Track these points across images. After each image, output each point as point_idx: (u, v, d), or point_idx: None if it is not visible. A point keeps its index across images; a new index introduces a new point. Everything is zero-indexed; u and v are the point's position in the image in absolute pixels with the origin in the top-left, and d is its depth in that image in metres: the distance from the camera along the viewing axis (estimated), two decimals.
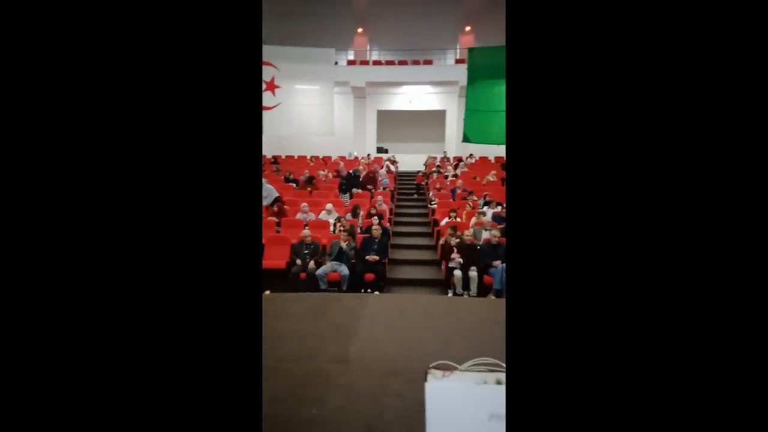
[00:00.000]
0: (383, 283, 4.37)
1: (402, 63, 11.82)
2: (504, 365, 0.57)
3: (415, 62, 11.71)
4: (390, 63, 11.84)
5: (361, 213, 5.60)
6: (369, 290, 4.18)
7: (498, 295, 4.08)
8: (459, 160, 9.58)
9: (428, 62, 11.64)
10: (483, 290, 4.22)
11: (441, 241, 4.88)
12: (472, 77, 8.58)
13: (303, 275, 4.17)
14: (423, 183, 8.52)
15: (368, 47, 12.53)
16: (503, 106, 8.75)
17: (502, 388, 0.52)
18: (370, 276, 4.28)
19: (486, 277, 4.25)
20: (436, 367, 0.52)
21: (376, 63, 11.85)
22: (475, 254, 4.40)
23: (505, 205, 5.71)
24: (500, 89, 8.39)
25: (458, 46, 12.30)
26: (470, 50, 8.82)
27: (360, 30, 12.24)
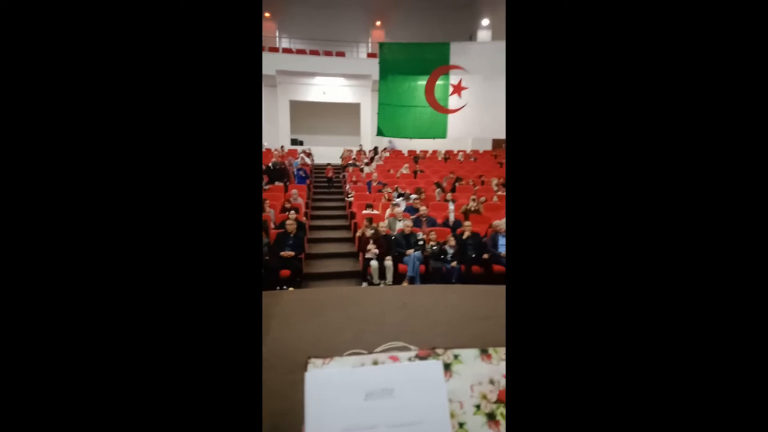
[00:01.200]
0: (300, 279, 4.27)
1: (314, 53, 11.53)
2: (411, 347, 0.59)
3: (327, 53, 11.52)
4: (301, 52, 11.46)
5: (270, 210, 5.37)
6: (285, 287, 4.05)
7: (411, 281, 4.29)
8: (375, 152, 9.74)
9: (341, 54, 11.56)
10: (398, 278, 4.39)
11: (358, 233, 4.94)
12: (384, 72, 8.76)
13: None
14: (333, 176, 8.50)
15: (277, 34, 11.94)
16: (415, 102, 9.13)
17: (378, 368, 0.54)
18: (285, 272, 4.14)
19: (401, 266, 4.43)
20: (317, 356, 0.52)
21: (287, 51, 11.37)
22: (389, 244, 4.54)
23: (416, 195, 5.99)
24: (412, 84, 8.72)
25: (370, 40, 12.42)
26: (381, 45, 8.98)
27: (268, 15, 11.59)
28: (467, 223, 4.84)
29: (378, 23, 12.41)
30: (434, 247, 4.49)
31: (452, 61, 9.59)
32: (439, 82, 9.48)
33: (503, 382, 0.53)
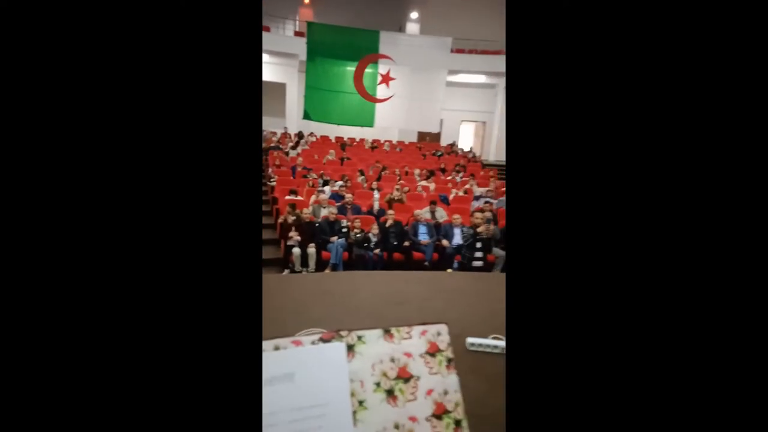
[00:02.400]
0: None
1: None
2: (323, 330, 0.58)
3: None
4: None
5: None
6: None
7: (334, 269, 4.28)
8: (300, 136, 9.42)
9: (266, 29, 10.84)
10: (321, 265, 4.34)
11: (279, 220, 4.76)
12: (312, 53, 8.44)
13: None
14: None
15: None
16: (344, 87, 9.00)
17: (278, 353, 0.53)
18: None
19: (324, 253, 4.39)
20: None
21: None
22: (313, 231, 4.46)
23: (342, 182, 5.96)
24: (341, 69, 8.57)
25: (297, 18, 11.85)
26: (309, 24, 8.62)
27: None
28: (390, 211, 4.96)
29: (306, 0, 11.88)
30: (358, 235, 4.53)
31: (381, 50, 9.58)
32: (367, 70, 9.43)
33: (404, 359, 0.56)
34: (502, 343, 1.86)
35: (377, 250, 4.51)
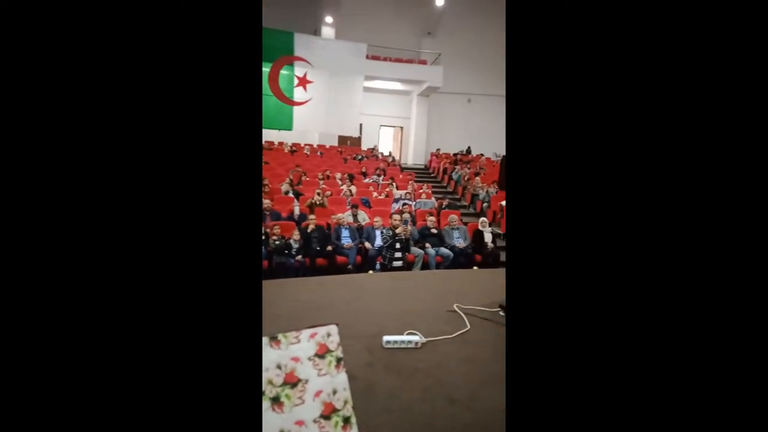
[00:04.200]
0: None
1: None
2: None
3: None
4: None
5: None
6: None
7: None
8: None
9: None
10: None
11: None
12: None
13: None
14: None
15: None
16: (266, 90, 8.61)
17: None
18: None
19: None
20: None
21: None
22: None
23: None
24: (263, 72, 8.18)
25: None
26: None
27: None
28: (312, 216, 4.88)
29: None
30: (277, 242, 4.37)
31: (297, 52, 9.40)
32: (283, 72, 9.15)
33: (291, 364, 0.55)
34: (416, 338, 1.94)
35: (299, 257, 4.40)
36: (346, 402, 0.57)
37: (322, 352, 0.59)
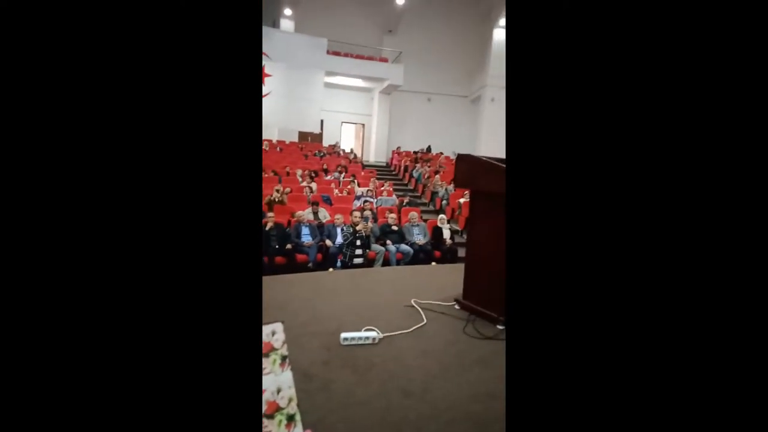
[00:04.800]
0: None
1: None
2: None
3: None
4: None
5: None
6: None
7: None
8: None
9: None
10: None
11: None
12: None
13: None
14: None
15: None
16: None
17: None
18: None
19: None
20: None
21: None
22: None
23: None
24: None
25: None
26: None
27: None
28: (270, 214, 4.75)
29: None
30: None
31: None
32: None
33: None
34: (373, 334, 1.96)
35: None
36: (290, 400, 0.56)
37: (266, 351, 0.59)
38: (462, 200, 6.32)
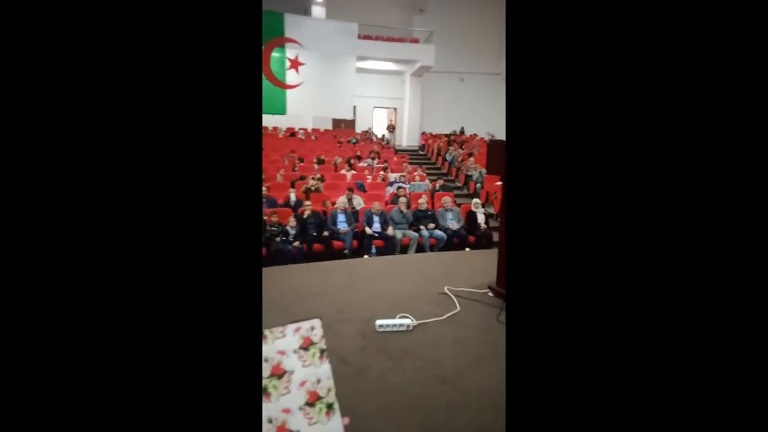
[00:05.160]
0: None
1: None
2: None
3: None
4: None
5: None
6: None
7: None
8: None
9: None
10: None
11: None
12: None
13: None
14: None
15: None
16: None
17: None
18: None
19: None
20: None
21: None
22: None
23: None
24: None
25: None
26: None
27: None
28: (308, 202, 4.90)
29: None
30: (275, 229, 4.41)
31: (287, 33, 9.15)
32: (274, 54, 8.94)
33: (277, 357, 0.61)
34: (408, 321, 2.02)
35: (296, 243, 4.45)
36: (329, 390, 0.62)
37: (306, 345, 0.65)
38: (498, 182, 6.17)
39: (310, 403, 0.59)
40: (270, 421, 0.55)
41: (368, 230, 4.73)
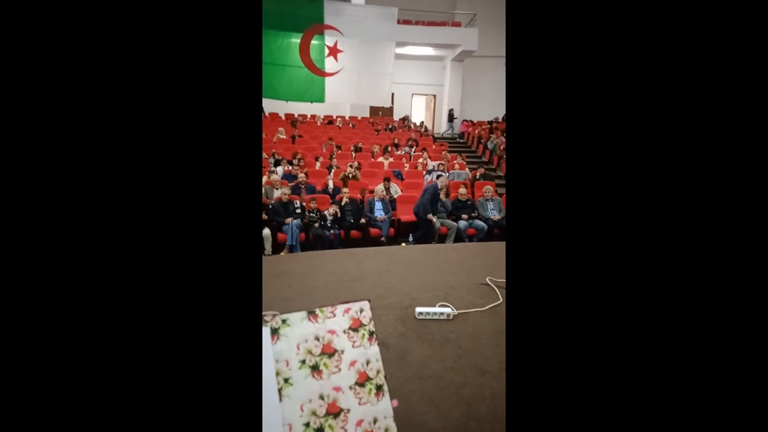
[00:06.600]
0: None
1: None
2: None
3: None
4: None
5: None
6: None
7: (291, 250, 4.25)
8: None
9: None
10: (278, 247, 4.30)
11: None
12: (263, 25, 7.88)
13: None
14: None
15: None
16: (290, 61, 8.57)
17: None
18: None
19: (280, 235, 4.33)
20: None
21: None
22: (267, 213, 4.37)
23: (295, 161, 5.82)
24: (285, 42, 8.12)
25: None
26: None
27: None
28: (345, 189, 4.95)
29: None
30: (313, 215, 4.50)
31: (327, 21, 9.17)
32: (313, 42, 9.01)
33: (328, 336, 0.60)
34: (448, 310, 1.98)
35: (333, 229, 4.52)
36: (378, 372, 0.61)
37: (355, 326, 0.63)
38: None
39: (360, 384, 0.58)
40: (322, 398, 0.55)
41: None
